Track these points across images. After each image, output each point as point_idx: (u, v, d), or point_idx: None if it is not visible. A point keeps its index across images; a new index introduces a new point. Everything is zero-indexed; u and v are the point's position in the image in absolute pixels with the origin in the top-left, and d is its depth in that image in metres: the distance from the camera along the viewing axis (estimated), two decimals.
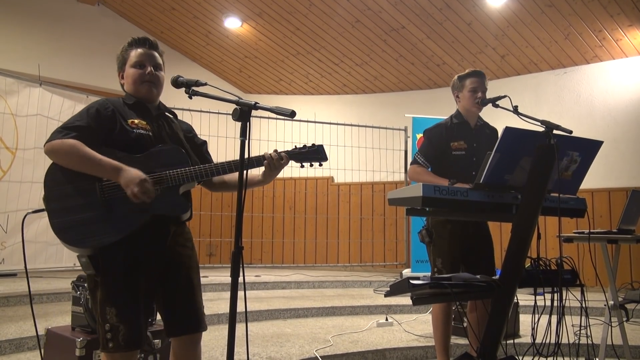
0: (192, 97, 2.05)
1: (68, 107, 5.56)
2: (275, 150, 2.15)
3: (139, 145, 2.02)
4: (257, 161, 2.10)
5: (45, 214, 1.94)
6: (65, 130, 1.93)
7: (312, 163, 2.18)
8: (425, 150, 3.12)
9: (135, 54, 2.12)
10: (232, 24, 7.44)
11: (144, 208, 1.93)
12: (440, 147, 3.10)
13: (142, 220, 1.94)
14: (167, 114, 2.24)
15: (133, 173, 1.90)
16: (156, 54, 2.16)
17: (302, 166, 2.18)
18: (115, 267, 1.92)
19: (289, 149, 2.18)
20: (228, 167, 2.07)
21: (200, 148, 2.29)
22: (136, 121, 2.05)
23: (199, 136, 2.35)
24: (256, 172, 2.16)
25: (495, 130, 3.30)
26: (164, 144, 2.08)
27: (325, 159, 2.19)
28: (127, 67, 2.12)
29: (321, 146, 2.19)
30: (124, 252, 1.92)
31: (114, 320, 1.88)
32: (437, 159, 3.10)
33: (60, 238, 1.90)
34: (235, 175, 2.14)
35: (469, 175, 2.96)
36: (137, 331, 1.91)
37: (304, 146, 2.18)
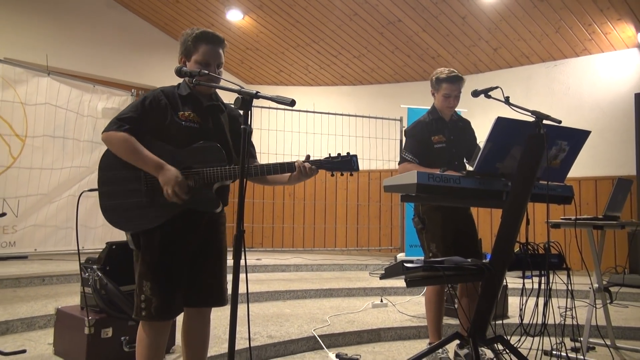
0: (196, 86, 2.06)
1: (75, 96, 5.53)
2: (308, 156, 2.08)
3: (186, 137, 2.05)
4: (289, 168, 2.06)
5: (91, 188, 2.14)
6: (120, 122, 2.00)
7: (343, 172, 2.08)
8: (410, 148, 3.11)
9: (203, 50, 2.09)
10: (234, 16, 7.38)
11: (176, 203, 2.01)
12: (424, 142, 3.11)
13: (176, 211, 2.02)
14: (218, 103, 2.21)
15: (172, 174, 1.97)
16: (221, 52, 2.13)
17: (333, 175, 2.09)
18: (152, 246, 2.01)
19: (322, 158, 2.08)
20: (261, 170, 2.06)
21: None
22: (186, 113, 2.08)
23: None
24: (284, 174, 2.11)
25: (468, 122, 3.36)
26: (207, 139, 2.08)
27: (356, 169, 2.06)
28: (192, 60, 2.10)
29: (355, 156, 2.08)
30: (161, 234, 2.01)
31: (149, 293, 1.99)
32: (422, 153, 3.10)
33: (106, 218, 2.03)
34: (269, 176, 2.12)
35: (452, 165, 2.99)
36: (167, 305, 2.01)
37: (338, 155, 2.08)
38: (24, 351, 2.81)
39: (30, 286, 4.48)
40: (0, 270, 4.79)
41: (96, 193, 2.06)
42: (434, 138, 3.11)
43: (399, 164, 3.19)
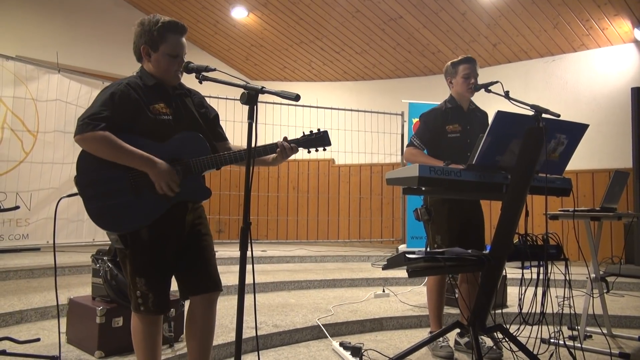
0: (202, 82, 2.04)
1: (85, 93, 5.52)
2: (285, 138, 2.12)
3: (161, 131, 1.98)
4: (271, 149, 2.09)
5: (71, 193, 1.99)
6: (95, 121, 1.86)
7: (318, 148, 2.16)
8: (421, 134, 3.09)
9: (173, 41, 2.02)
10: (239, 14, 7.35)
11: (169, 195, 1.96)
12: (435, 130, 3.07)
13: (168, 205, 1.96)
14: (183, 91, 2.16)
15: (164, 167, 1.91)
16: (185, 41, 2.09)
17: (309, 152, 2.17)
18: (141, 242, 1.95)
19: (298, 136, 2.15)
20: (257, 152, 2.05)
21: (212, 123, 2.23)
22: (157, 106, 2.00)
23: (210, 108, 2.26)
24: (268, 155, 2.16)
25: (485, 114, 3.28)
26: (186, 130, 2.04)
27: (329, 143, 2.16)
28: (160, 51, 2.01)
29: (326, 132, 2.16)
30: (149, 229, 1.95)
31: (144, 289, 1.96)
32: (432, 142, 3.07)
33: (96, 223, 1.90)
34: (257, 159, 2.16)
35: (464, 156, 2.95)
36: (164, 298, 2.00)
37: (311, 132, 2.15)
38: (38, 339, 2.83)
39: (43, 277, 4.50)
40: (15, 261, 4.83)
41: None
42: (448, 127, 3.06)
43: (406, 146, 3.17)
